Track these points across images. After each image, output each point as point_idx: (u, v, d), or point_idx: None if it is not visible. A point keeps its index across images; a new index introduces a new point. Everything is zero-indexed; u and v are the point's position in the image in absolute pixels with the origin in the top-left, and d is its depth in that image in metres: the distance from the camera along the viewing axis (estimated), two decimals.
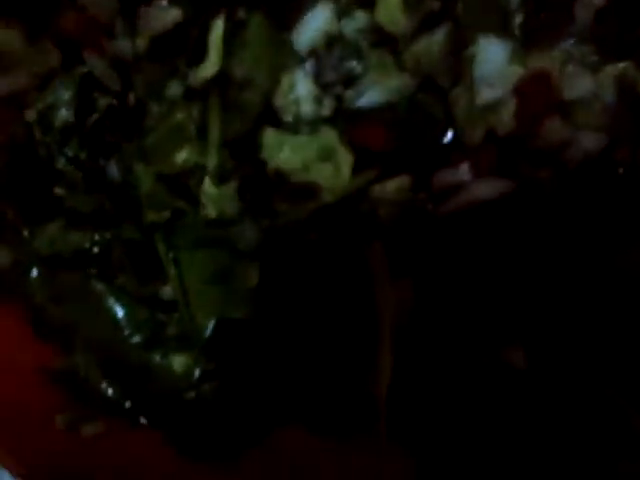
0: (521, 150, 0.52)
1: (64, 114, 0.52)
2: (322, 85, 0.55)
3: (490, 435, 0.48)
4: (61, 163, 0.52)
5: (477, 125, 0.52)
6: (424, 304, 0.50)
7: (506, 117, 0.51)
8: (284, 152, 0.53)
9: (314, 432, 0.53)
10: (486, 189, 0.52)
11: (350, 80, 0.55)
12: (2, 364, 0.52)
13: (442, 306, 0.50)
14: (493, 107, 0.52)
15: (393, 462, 0.51)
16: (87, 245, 0.53)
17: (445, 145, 0.54)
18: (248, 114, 0.53)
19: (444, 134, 0.54)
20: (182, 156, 0.54)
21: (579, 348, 0.48)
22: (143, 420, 0.53)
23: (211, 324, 0.51)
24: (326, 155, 0.54)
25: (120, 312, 0.52)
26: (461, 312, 0.50)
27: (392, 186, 0.55)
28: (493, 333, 0.48)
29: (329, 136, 0.54)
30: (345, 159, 0.55)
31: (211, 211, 0.54)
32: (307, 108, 0.54)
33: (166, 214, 0.53)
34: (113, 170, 0.55)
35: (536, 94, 0.51)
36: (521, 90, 0.51)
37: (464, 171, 0.53)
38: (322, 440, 0.53)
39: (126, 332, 0.52)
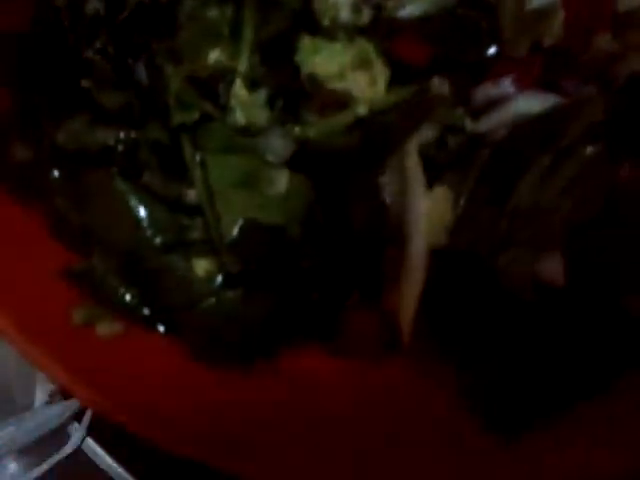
0: (568, 64, 0.50)
1: (95, 3, 0.50)
2: None
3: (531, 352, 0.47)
4: (89, 53, 0.50)
5: (523, 36, 0.50)
6: (461, 215, 0.48)
7: (555, 27, 0.49)
8: (320, 56, 0.51)
9: (333, 351, 0.52)
10: (530, 103, 0.50)
11: None
12: (21, 262, 0.50)
13: (482, 217, 0.48)
14: (542, 15, 0.49)
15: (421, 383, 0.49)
16: (112, 142, 0.51)
17: (487, 57, 0.52)
18: (284, 14, 0.51)
19: (488, 47, 0.52)
20: (213, 57, 0.52)
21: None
22: (161, 328, 0.52)
23: (237, 227, 0.49)
24: (362, 64, 0.52)
25: (142, 212, 0.50)
26: (499, 221, 0.47)
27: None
28: (531, 243, 0.46)
29: (366, 47, 0.52)
30: (381, 71, 0.52)
31: (240, 117, 0.52)
32: (345, 14, 0.52)
33: (194, 115, 0.51)
34: (141, 71, 0.53)
35: (587, 4, 0.49)
36: None
37: (507, 84, 0.51)
38: (341, 360, 0.51)
39: (148, 233, 0.50)
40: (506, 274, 0.46)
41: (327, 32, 0.52)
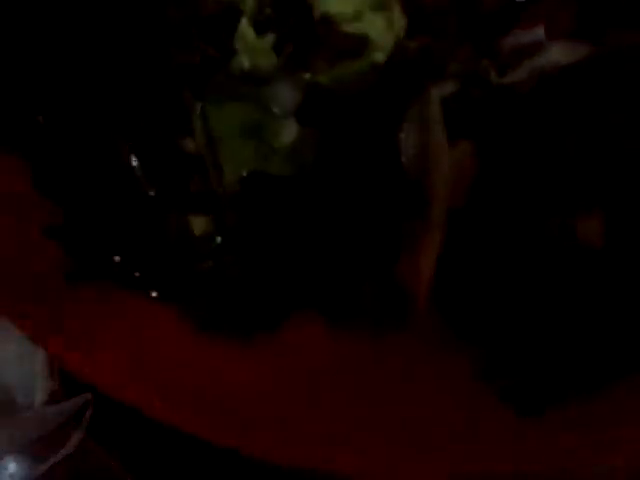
0: (604, 10, 0.46)
1: None
2: None
3: (560, 322, 0.42)
4: None
5: None
6: (486, 171, 0.44)
7: None
8: None
9: (337, 326, 0.47)
10: (562, 54, 0.46)
11: None
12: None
13: (507, 173, 0.43)
14: None
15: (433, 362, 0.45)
16: None
17: (516, 3, 0.48)
18: None
19: None
20: None
21: None
22: (153, 292, 0.47)
23: (240, 179, 0.44)
24: (380, 5, 0.48)
25: (135, 161, 0.46)
26: (528, 178, 0.43)
27: None
28: (564, 201, 0.42)
29: None
30: (399, 17, 0.48)
31: (245, 61, 0.47)
32: None
33: (194, 58, 0.47)
34: None
35: None
36: None
37: (539, 33, 0.46)
38: (345, 336, 0.47)
39: (141, 184, 0.46)
40: (538, 235, 0.42)
41: None
